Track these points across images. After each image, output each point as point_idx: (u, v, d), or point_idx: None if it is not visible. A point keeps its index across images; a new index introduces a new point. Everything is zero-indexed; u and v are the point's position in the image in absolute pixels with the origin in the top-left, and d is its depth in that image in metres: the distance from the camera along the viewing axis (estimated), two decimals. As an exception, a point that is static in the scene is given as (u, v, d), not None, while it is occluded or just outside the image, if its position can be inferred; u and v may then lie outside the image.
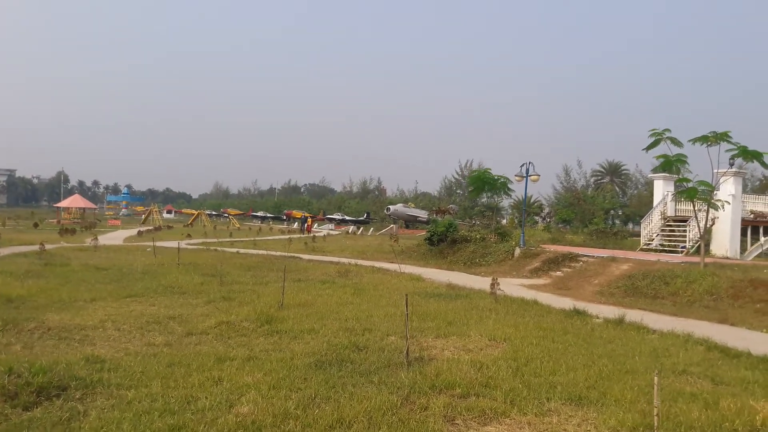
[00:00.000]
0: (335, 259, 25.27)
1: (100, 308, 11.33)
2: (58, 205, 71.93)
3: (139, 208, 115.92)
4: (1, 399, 5.64)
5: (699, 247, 20.28)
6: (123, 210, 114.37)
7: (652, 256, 21.06)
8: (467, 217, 58.47)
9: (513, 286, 16.71)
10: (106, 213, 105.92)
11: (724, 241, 24.34)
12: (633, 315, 11.99)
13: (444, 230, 27.64)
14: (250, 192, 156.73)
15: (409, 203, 74.89)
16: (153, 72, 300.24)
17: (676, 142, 18.95)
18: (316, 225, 76.26)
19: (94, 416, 5.42)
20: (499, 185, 29.15)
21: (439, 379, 6.85)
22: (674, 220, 26.20)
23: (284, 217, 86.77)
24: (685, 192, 19.22)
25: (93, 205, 76.50)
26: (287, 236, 43.58)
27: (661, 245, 25.83)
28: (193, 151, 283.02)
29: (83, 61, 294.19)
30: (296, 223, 72.26)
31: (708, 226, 21.07)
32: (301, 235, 47.30)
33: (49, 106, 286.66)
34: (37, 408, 5.59)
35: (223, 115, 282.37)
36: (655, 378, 5.06)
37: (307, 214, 77.34)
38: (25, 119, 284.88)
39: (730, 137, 17.89)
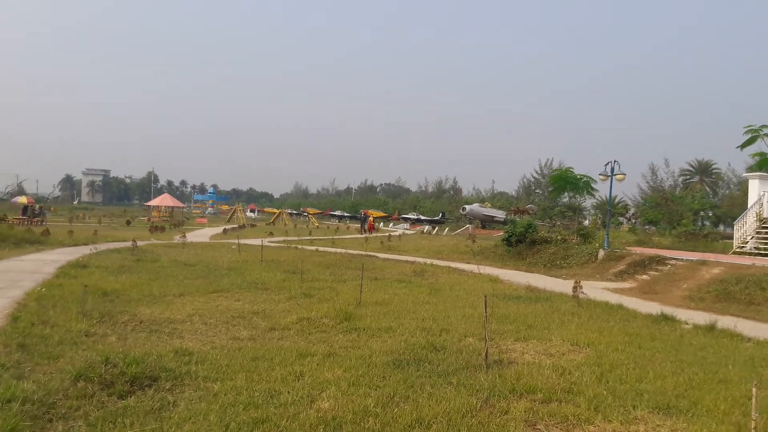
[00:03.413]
0: (411, 258, 25.31)
1: (188, 303, 11.80)
2: (149, 203, 75.59)
3: (224, 207, 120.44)
4: (99, 387, 5.94)
5: (800, 251, 18.97)
6: (209, 209, 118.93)
7: (747, 260, 19.88)
8: (547, 218, 57.16)
9: (596, 290, 16.20)
10: (193, 212, 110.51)
11: (829, 245, 22.65)
12: (725, 321, 11.36)
13: (523, 231, 27.13)
14: (328, 192, 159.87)
15: (486, 203, 74.08)
16: (238, 82, 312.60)
17: (774, 138, 17.84)
18: (391, 224, 76.52)
19: (183, 407, 5.63)
20: (581, 185, 28.40)
21: (520, 383, 6.71)
22: (772, 222, 24.62)
23: (370, 217, 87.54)
24: (784, 192, 18.03)
25: (181, 204, 79.90)
26: (364, 235, 44.01)
27: (757, 248, 24.30)
28: (275, 153, 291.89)
29: (176, 73, 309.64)
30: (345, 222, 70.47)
31: (810, 228, 19.68)
32: (360, 235, 45.62)
33: (141, 112, 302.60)
34: (131, 397, 5.85)
35: (304, 118, 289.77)
36: (754, 389, 4.77)
37: (368, 212, 76.42)
38: (119, 123, 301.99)
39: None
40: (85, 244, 24.36)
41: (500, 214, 63.69)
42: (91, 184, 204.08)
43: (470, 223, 59.98)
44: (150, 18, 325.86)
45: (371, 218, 58.73)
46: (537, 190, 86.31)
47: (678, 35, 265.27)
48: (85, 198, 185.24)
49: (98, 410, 5.46)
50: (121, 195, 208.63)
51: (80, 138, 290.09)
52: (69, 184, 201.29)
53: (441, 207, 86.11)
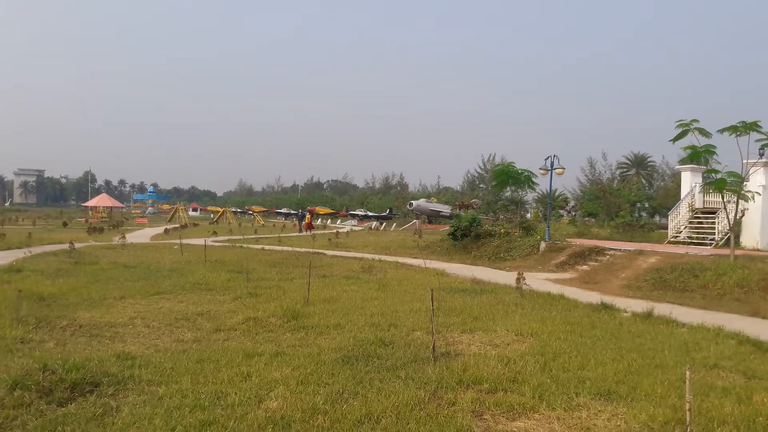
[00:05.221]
0: (359, 255, 25.30)
1: (129, 306, 11.50)
2: (86, 204, 73.21)
3: (165, 207, 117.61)
4: (37, 395, 5.74)
5: (728, 239, 19.92)
6: (149, 208, 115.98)
7: (680, 249, 20.75)
8: (491, 212, 58.11)
9: (539, 281, 16.59)
10: (133, 212, 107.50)
11: (755, 233, 23.80)
12: (661, 308, 11.83)
13: (468, 225, 27.50)
14: (274, 189, 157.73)
15: (432, 198, 74.69)
16: (177, 73, 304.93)
17: (704, 132, 18.62)
18: (339, 221, 76.34)
19: (127, 412, 5.51)
20: (523, 179, 28.92)
21: (466, 375, 6.83)
22: (702, 212, 25.73)
23: (307, 214, 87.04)
24: (713, 183, 18.88)
25: (120, 204, 77.78)
26: (311, 233, 43.77)
27: (689, 238, 25.37)
28: (218, 150, 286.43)
29: (110, 62, 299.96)
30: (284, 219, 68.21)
31: (738, 217, 20.66)
32: (300, 233, 44.71)
33: (75, 106, 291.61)
34: (71, 404, 5.68)
35: (247, 114, 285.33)
36: (687, 372, 4.99)
37: (313, 210, 74.90)
38: (52, 120, 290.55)
39: (760, 126, 17.56)
40: (19, 247, 23.32)
41: (446, 209, 64.38)
42: (24, 184, 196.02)
43: (417, 219, 60.37)
44: (79, 4, 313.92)
45: (308, 216, 56.44)
46: (481, 185, 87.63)
47: (612, 37, 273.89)
48: (17, 199, 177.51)
49: (36, 419, 5.28)
50: (57, 196, 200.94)
51: (8, 135, 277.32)
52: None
53: (388, 203, 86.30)
